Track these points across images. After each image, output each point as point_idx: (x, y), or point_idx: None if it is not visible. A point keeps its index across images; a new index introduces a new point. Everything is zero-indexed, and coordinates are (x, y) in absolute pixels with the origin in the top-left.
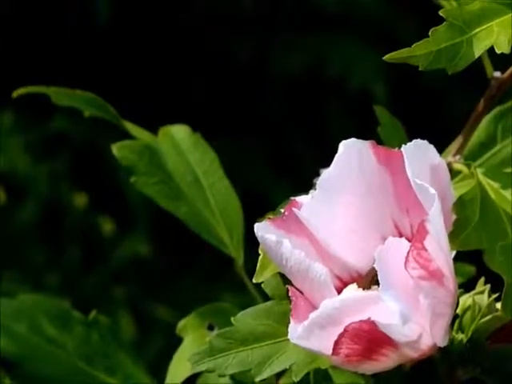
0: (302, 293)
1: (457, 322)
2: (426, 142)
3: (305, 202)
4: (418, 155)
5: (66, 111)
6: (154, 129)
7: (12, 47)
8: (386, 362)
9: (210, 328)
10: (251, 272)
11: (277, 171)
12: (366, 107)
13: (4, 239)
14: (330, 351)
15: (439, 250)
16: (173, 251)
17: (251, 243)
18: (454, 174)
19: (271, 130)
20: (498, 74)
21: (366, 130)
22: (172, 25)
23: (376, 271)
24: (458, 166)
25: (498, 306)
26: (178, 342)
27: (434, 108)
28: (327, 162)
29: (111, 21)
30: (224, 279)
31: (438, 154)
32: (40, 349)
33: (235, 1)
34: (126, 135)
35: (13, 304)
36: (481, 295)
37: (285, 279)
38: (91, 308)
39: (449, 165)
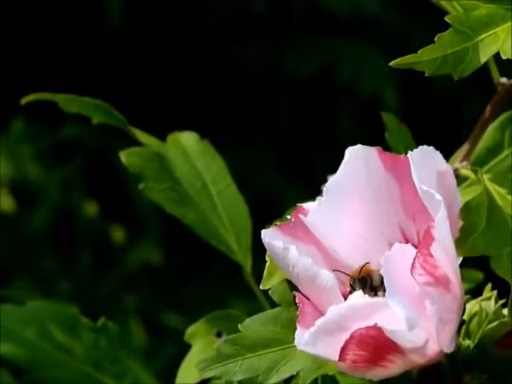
0: (308, 299)
1: (464, 327)
2: (432, 148)
3: (311, 209)
4: (425, 161)
5: (77, 118)
6: (163, 134)
7: (22, 52)
8: (392, 368)
9: (219, 335)
10: (260, 278)
11: (287, 177)
12: (377, 112)
13: (15, 246)
14: (337, 357)
15: (445, 256)
16: (183, 258)
17: (260, 250)
18: (461, 179)
19: (282, 135)
20: (504, 79)
21: (377, 135)
22: (183, 29)
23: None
24: (465, 172)
25: (505, 311)
26: (189, 349)
27: (445, 113)
28: (337, 168)
29: (121, 24)
30: (235, 286)
31: (444, 160)
32: (49, 355)
33: (247, 5)
34: (136, 142)
35: (22, 310)
36: (488, 301)
37: (292, 285)
38: (102, 315)
39: (456, 171)
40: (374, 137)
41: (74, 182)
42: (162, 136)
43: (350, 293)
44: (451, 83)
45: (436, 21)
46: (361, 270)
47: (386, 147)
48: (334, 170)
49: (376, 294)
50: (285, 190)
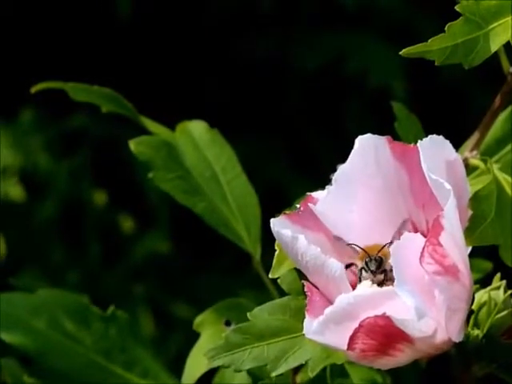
0: (317, 288)
1: (472, 317)
2: (441, 137)
3: (321, 197)
4: (434, 151)
5: (86, 108)
6: (172, 126)
7: (32, 44)
8: (401, 357)
9: (228, 323)
10: (269, 268)
11: (296, 169)
12: (386, 105)
13: (25, 237)
14: (346, 346)
15: (454, 245)
16: (192, 248)
17: (270, 239)
18: (470, 169)
19: (290, 128)
20: None
21: (385, 128)
22: (191, 24)
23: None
24: (474, 162)
25: None
26: (197, 339)
27: (455, 106)
28: (347, 159)
29: (132, 18)
30: (244, 276)
31: (453, 150)
32: (58, 344)
33: None
34: (146, 132)
35: (32, 299)
36: (497, 291)
37: (301, 274)
38: (111, 305)
39: (465, 160)
40: (382, 129)
41: (82, 171)
42: (171, 126)
43: (362, 270)
44: (460, 75)
45: (446, 12)
46: (380, 251)
47: (395, 139)
48: (342, 162)
49: (386, 277)
50: (293, 181)
